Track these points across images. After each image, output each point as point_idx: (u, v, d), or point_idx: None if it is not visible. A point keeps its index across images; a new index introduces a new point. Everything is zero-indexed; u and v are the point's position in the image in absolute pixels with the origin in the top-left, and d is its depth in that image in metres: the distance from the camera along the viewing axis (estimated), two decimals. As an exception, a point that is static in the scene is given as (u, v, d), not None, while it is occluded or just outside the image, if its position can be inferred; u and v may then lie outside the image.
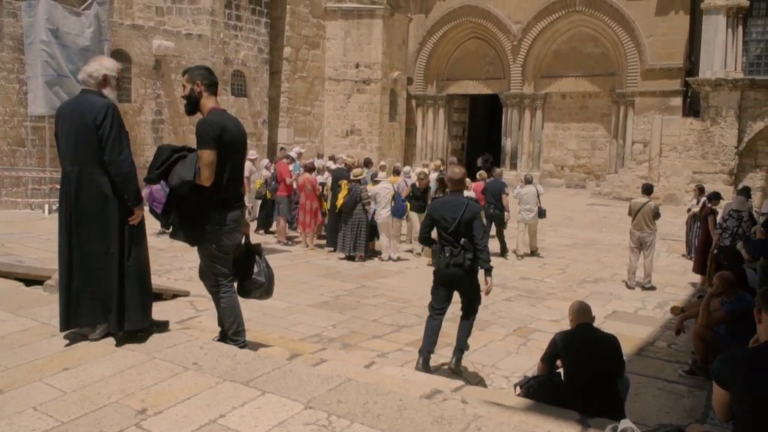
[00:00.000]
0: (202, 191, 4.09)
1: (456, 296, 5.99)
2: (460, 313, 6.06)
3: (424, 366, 5.68)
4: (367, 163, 14.37)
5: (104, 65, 4.10)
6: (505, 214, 12.33)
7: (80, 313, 3.96)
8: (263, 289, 4.50)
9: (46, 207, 14.46)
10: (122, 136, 3.95)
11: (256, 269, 4.45)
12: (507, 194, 12.45)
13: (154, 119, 17.41)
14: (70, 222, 3.93)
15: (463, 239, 5.59)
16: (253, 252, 4.52)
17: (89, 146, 3.88)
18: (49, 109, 14.34)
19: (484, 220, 11.36)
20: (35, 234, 11.83)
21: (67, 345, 3.99)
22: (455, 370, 5.69)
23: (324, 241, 12.62)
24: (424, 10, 27.41)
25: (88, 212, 3.92)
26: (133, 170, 3.97)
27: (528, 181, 12.93)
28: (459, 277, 5.69)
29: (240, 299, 4.46)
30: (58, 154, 4.08)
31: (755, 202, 18.04)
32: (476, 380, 5.91)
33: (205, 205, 4.13)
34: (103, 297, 3.95)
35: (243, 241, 4.44)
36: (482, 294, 5.80)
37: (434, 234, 5.99)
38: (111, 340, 4.01)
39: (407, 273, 10.72)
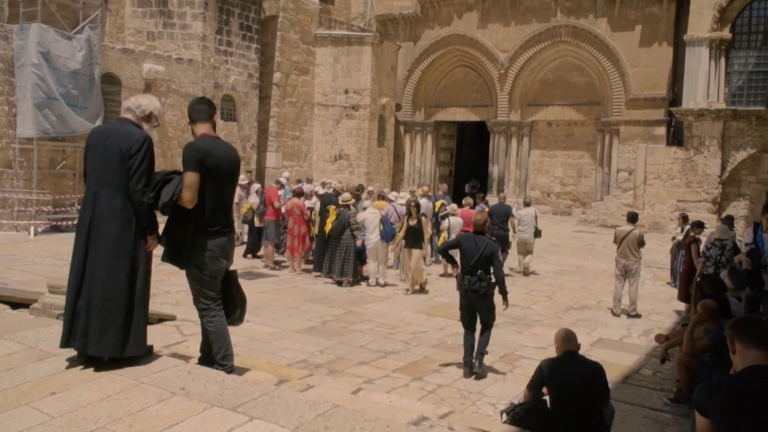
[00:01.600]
0: (190, 215, 4.15)
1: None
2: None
3: (468, 369, 6.80)
4: (360, 190, 14.50)
5: (154, 104, 4.31)
6: (510, 234, 13.34)
7: (80, 333, 3.96)
8: (236, 315, 4.55)
9: (32, 229, 14.39)
10: (151, 168, 4.07)
11: (232, 297, 4.50)
12: (514, 217, 13.48)
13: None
14: (88, 241, 3.99)
15: (479, 270, 6.81)
16: (231, 279, 4.54)
17: (120, 172, 3.98)
18: (38, 131, 14.36)
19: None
20: (20, 256, 11.76)
21: (55, 369, 3.98)
22: (479, 372, 6.78)
23: (311, 266, 12.63)
24: (413, 38, 27.78)
25: (108, 235, 3.98)
26: (152, 202, 4.08)
27: (527, 204, 14.08)
28: (476, 300, 6.88)
29: None
30: (84, 173, 4.19)
31: (738, 230, 18.26)
32: (463, 407, 5.93)
33: (193, 230, 4.19)
34: (104, 321, 3.95)
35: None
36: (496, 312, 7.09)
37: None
38: (98, 365, 4.00)
39: (394, 299, 10.73)
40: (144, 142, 4.02)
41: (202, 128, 4.33)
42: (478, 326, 7.02)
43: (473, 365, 6.81)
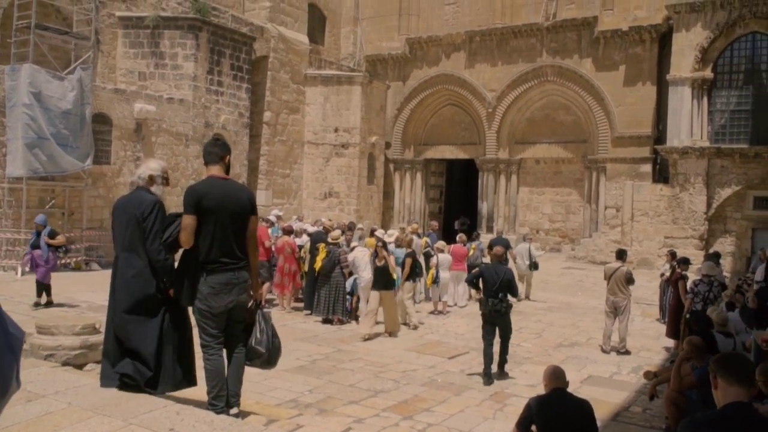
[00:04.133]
0: (190, 254, 4.40)
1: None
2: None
3: (487, 378, 8.09)
4: (351, 228, 14.60)
5: (150, 167, 4.72)
6: (509, 263, 14.38)
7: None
8: (263, 358, 4.65)
9: (19, 269, 14.28)
10: (163, 228, 4.48)
11: (259, 337, 4.61)
12: (511, 248, 14.84)
13: (133, 181, 17.46)
14: (116, 302, 4.43)
15: (500, 294, 8.29)
16: (256, 318, 4.68)
17: (137, 236, 4.40)
18: (28, 170, 14.37)
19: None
20: (7, 296, 11.65)
21: (44, 410, 3.96)
22: (500, 377, 8.23)
23: (301, 304, 12.59)
24: (401, 78, 28.22)
25: (134, 296, 4.37)
26: (167, 258, 4.50)
27: (524, 239, 15.93)
28: (497, 318, 8.33)
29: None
30: (113, 240, 4.68)
31: (726, 267, 18.42)
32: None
33: (194, 267, 4.39)
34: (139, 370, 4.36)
35: (253, 307, 4.65)
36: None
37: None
38: (85, 405, 3.99)
39: (384, 337, 10.68)
40: (154, 206, 4.44)
41: (212, 170, 4.60)
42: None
43: (493, 375, 8.16)
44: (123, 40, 18.87)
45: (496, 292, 8.25)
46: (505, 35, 25.83)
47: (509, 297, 8.49)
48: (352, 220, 18.08)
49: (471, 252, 14.80)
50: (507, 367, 8.61)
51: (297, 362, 8.60)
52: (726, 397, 2.70)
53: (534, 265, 14.76)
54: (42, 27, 15.62)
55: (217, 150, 4.63)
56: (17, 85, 14.26)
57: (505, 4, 25.95)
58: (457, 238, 14.37)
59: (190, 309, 4.56)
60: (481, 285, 8.52)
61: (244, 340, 4.61)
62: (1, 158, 14.51)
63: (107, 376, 4.47)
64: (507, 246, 14.24)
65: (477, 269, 9.17)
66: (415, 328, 11.41)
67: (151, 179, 4.67)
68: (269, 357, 4.66)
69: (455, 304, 13.78)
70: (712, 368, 2.80)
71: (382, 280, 10.69)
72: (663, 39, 23.05)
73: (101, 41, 18.23)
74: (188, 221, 4.31)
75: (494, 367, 8.31)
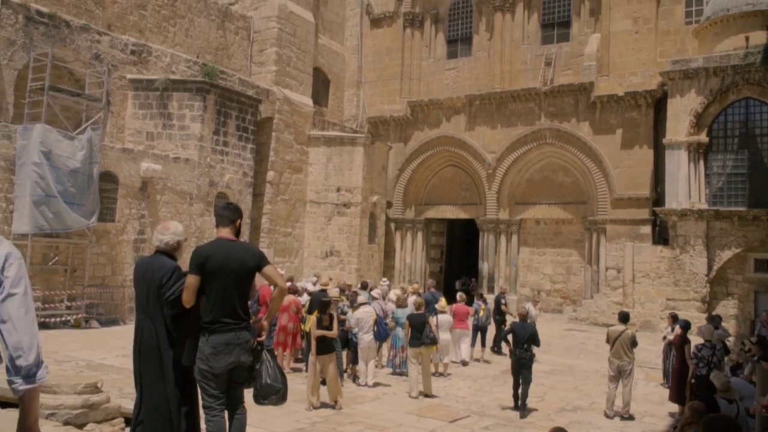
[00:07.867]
0: (192, 314, 4.47)
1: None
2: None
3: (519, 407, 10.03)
4: (365, 286, 14.71)
5: (176, 233, 4.73)
6: (506, 317, 16.15)
7: None
8: (280, 394, 4.71)
9: None
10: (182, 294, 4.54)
11: (272, 374, 4.66)
12: (505, 304, 16.62)
13: (136, 238, 17.62)
14: (140, 361, 4.49)
15: (525, 345, 10.17)
16: (268, 358, 4.77)
17: (156, 301, 4.45)
18: (34, 227, 14.51)
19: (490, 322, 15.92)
20: None
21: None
22: (522, 416, 9.85)
23: (301, 365, 12.50)
24: (403, 140, 28.73)
25: (151, 355, 4.44)
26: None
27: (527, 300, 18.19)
28: (522, 365, 10.15)
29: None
30: (135, 300, 4.75)
31: (730, 330, 18.28)
32: None
33: (197, 327, 4.47)
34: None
35: (257, 347, 4.71)
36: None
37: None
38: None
39: (384, 399, 10.59)
40: (172, 274, 4.48)
41: (222, 232, 4.78)
42: None
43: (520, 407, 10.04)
44: (133, 102, 19.34)
45: (523, 344, 10.09)
46: (504, 99, 26.43)
47: (533, 347, 10.36)
48: (365, 280, 18.08)
49: (481, 313, 15.00)
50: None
51: (296, 425, 8.52)
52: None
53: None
54: (55, 89, 16.05)
55: (228, 213, 4.82)
56: (28, 144, 14.54)
57: (504, 70, 26.67)
58: (458, 297, 14.47)
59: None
60: (510, 338, 10.44)
61: (243, 401, 4.68)
62: (8, 215, 14.67)
63: None
64: (500, 301, 16.80)
65: (509, 326, 10.93)
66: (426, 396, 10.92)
67: (178, 245, 4.71)
68: (284, 392, 4.70)
69: (460, 362, 13.83)
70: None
71: (326, 343, 9.70)
72: (658, 104, 23.56)
73: (111, 102, 18.69)
74: (191, 281, 4.43)
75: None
